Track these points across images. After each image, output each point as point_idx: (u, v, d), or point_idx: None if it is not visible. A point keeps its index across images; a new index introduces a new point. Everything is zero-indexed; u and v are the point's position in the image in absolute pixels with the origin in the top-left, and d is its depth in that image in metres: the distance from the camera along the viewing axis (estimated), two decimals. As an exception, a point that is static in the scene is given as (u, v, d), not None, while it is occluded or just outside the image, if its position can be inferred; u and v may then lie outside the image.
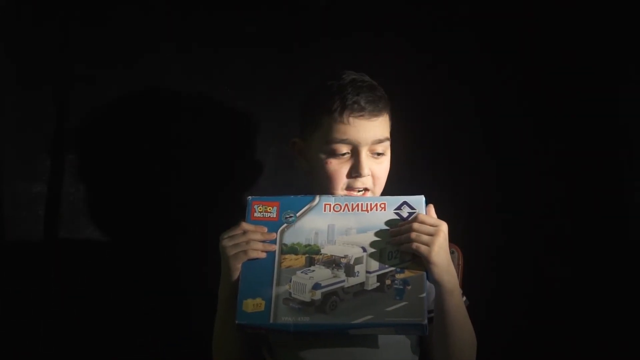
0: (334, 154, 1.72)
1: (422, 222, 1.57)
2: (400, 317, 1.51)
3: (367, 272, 1.56)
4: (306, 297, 1.54)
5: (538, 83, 2.18)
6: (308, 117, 1.78)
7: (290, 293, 1.56)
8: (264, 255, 1.60)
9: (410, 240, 1.55)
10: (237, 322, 1.54)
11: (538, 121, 2.18)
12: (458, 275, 1.84)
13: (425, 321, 1.51)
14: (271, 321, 1.53)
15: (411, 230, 1.56)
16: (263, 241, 1.61)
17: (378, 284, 1.55)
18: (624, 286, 2.11)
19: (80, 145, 2.13)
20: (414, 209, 1.62)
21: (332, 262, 1.58)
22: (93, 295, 2.10)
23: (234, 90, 2.17)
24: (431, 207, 1.63)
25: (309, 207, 1.65)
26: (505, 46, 2.18)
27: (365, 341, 1.66)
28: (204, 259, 1.82)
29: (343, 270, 1.57)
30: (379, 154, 1.74)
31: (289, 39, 2.19)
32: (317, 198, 1.66)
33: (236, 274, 1.59)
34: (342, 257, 1.58)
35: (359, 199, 1.67)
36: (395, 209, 1.63)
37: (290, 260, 1.59)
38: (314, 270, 1.57)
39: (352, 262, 1.58)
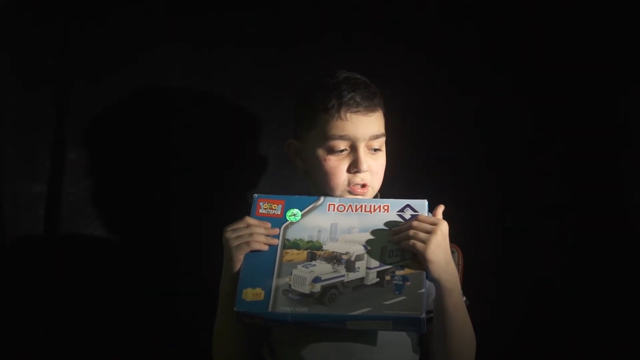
0: (332, 150, 1.73)
1: (422, 221, 1.59)
2: (398, 310, 1.52)
3: (368, 268, 1.58)
4: (305, 290, 1.56)
5: (539, 83, 2.18)
6: (303, 116, 1.79)
7: (290, 285, 1.57)
8: (266, 247, 1.62)
9: (408, 238, 1.56)
10: (235, 309, 1.56)
11: (538, 121, 2.19)
12: (458, 275, 1.84)
13: (423, 315, 1.51)
14: (269, 310, 1.54)
15: (410, 228, 1.58)
16: (266, 235, 1.63)
17: (378, 279, 1.56)
18: (624, 286, 2.12)
19: (80, 145, 2.13)
20: (417, 212, 1.64)
21: (333, 258, 1.60)
22: (93, 295, 2.10)
23: (234, 90, 2.17)
24: (440, 208, 1.64)
25: (314, 206, 1.67)
26: (505, 46, 2.18)
27: (366, 340, 1.67)
28: (204, 258, 1.82)
29: (344, 265, 1.59)
30: (375, 150, 1.76)
31: (290, 39, 2.19)
32: (322, 198, 1.68)
33: (238, 265, 1.60)
34: (344, 254, 1.60)
35: (362, 200, 1.69)
36: (398, 211, 1.65)
37: (292, 254, 1.61)
38: (314, 265, 1.59)
39: (353, 259, 1.59)
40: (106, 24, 2.14)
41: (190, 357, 2.04)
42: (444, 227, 1.58)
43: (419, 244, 1.55)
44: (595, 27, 2.16)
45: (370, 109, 1.74)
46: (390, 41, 2.19)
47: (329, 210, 1.66)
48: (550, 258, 2.17)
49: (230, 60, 2.18)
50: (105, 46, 2.14)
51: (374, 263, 1.58)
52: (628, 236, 2.14)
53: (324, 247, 1.61)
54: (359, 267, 1.58)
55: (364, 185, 1.74)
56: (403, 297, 1.53)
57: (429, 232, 1.56)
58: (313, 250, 1.61)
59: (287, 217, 1.66)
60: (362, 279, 1.57)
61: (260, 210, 1.67)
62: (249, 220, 1.64)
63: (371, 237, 1.62)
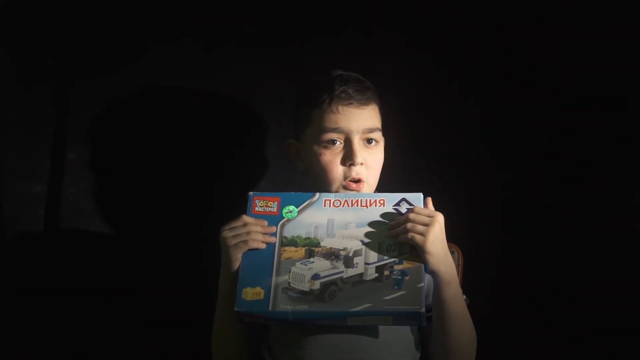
0: (326, 145, 1.74)
1: (418, 213, 1.59)
2: (398, 305, 1.52)
3: (366, 263, 1.58)
4: (305, 287, 1.56)
5: (538, 81, 2.18)
6: (300, 115, 1.81)
7: (289, 283, 1.57)
8: (264, 245, 1.62)
9: (406, 231, 1.57)
10: (236, 309, 1.56)
11: (538, 120, 2.18)
12: (458, 275, 1.84)
13: (423, 309, 1.51)
14: (270, 309, 1.54)
15: (407, 221, 1.58)
16: (263, 233, 1.63)
17: (377, 274, 1.56)
18: (625, 286, 2.11)
19: (80, 145, 2.13)
20: (412, 205, 1.64)
21: (332, 254, 1.60)
22: (93, 295, 2.10)
23: (234, 90, 2.17)
24: (429, 200, 1.65)
25: (309, 203, 1.67)
26: (505, 44, 2.18)
27: (367, 339, 1.66)
28: (204, 258, 1.82)
29: (342, 261, 1.59)
30: (370, 142, 1.76)
31: (290, 38, 2.19)
32: (317, 194, 1.68)
33: (236, 264, 1.60)
34: (341, 250, 1.60)
35: (358, 195, 1.69)
36: (394, 205, 1.65)
37: (290, 252, 1.61)
38: (313, 262, 1.59)
39: (351, 254, 1.59)
40: (106, 23, 2.15)
41: (190, 357, 2.04)
42: (440, 219, 1.58)
43: (417, 237, 1.55)
44: (596, 27, 2.16)
45: (363, 102, 1.75)
46: (390, 41, 2.19)
47: (324, 206, 1.66)
48: (550, 258, 2.16)
49: (230, 60, 2.18)
50: (105, 46, 2.15)
51: (372, 258, 1.58)
52: (628, 236, 2.13)
53: (322, 244, 1.61)
54: (357, 263, 1.58)
55: (358, 181, 1.74)
56: (403, 292, 1.53)
57: (427, 225, 1.56)
58: (311, 247, 1.61)
59: (284, 215, 1.66)
60: (361, 274, 1.57)
61: (257, 209, 1.67)
62: (246, 218, 1.64)
63: (368, 231, 1.62)
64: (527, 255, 2.16)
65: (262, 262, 1.59)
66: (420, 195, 1.66)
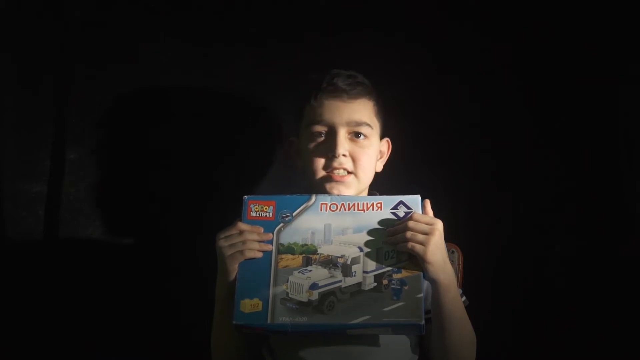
0: (312, 137, 1.75)
1: (417, 221, 1.57)
2: (398, 317, 1.52)
3: (364, 272, 1.56)
4: (303, 297, 1.55)
5: (538, 82, 2.18)
6: (297, 112, 1.82)
7: (287, 293, 1.56)
8: (260, 255, 1.60)
9: (406, 240, 1.55)
10: (234, 322, 1.55)
11: (538, 120, 2.18)
12: (458, 275, 1.85)
13: (423, 322, 1.51)
14: (269, 321, 1.54)
15: (406, 229, 1.56)
16: (259, 241, 1.61)
17: (375, 284, 1.55)
18: (625, 286, 2.11)
19: (80, 145, 2.13)
20: (410, 208, 1.62)
21: (329, 262, 1.58)
22: (93, 295, 2.10)
23: (235, 90, 2.17)
24: (427, 203, 1.63)
25: (305, 207, 1.65)
26: (506, 44, 2.18)
27: (365, 342, 1.66)
28: (204, 259, 1.81)
29: (340, 270, 1.57)
30: (358, 136, 1.75)
31: (290, 38, 2.18)
32: (314, 197, 1.66)
33: (233, 274, 1.59)
34: (339, 257, 1.58)
35: (355, 198, 1.67)
36: (391, 209, 1.63)
37: (287, 260, 1.59)
38: (311, 270, 1.57)
39: (349, 262, 1.58)
40: (106, 23, 2.14)
41: (190, 357, 2.04)
42: (440, 226, 1.57)
43: (418, 247, 1.54)
44: (596, 26, 2.16)
45: (351, 95, 1.75)
46: (391, 41, 2.19)
47: (321, 210, 1.64)
48: (550, 258, 2.16)
49: (230, 59, 2.18)
50: (105, 45, 2.14)
51: (370, 266, 1.56)
52: (628, 236, 2.13)
53: (319, 251, 1.60)
54: (355, 271, 1.57)
55: (346, 172, 1.73)
56: (402, 303, 1.52)
57: (427, 233, 1.55)
58: (308, 254, 1.59)
59: (280, 220, 1.64)
60: (359, 284, 1.56)
61: (252, 214, 1.64)
62: (241, 226, 1.62)
63: (366, 238, 1.60)
64: (526, 255, 2.16)
65: (259, 271, 1.58)
66: (418, 197, 1.64)
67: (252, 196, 1.67)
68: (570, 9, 2.15)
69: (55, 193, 2.12)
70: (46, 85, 2.13)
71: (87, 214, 2.13)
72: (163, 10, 2.16)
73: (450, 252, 1.79)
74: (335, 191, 1.72)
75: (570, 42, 2.16)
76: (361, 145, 1.75)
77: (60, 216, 2.12)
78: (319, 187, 1.73)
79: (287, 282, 1.57)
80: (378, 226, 1.61)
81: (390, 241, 1.58)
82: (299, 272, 1.57)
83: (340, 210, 1.64)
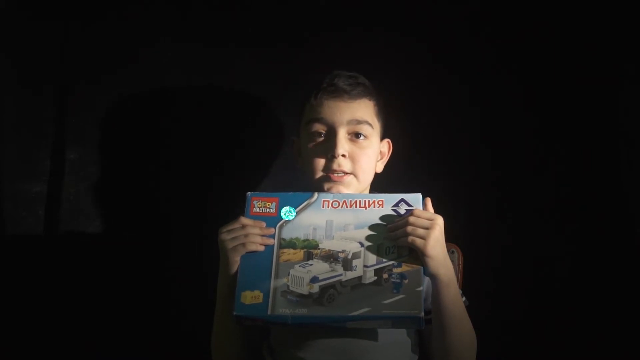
0: (312, 136, 1.75)
1: (418, 217, 1.58)
2: (397, 309, 1.52)
3: (365, 266, 1.57)
4: (304, 290, 1.55)
5: (538, 82, 2.18)
6: (299, 112, 1.82)
7: (288, 286, 1.56)
8: (262, 248, 1.61)
9: (406, 235, 1.56)
10: (235, 313, 1.55)
11: (538, 120, 2.18)
12: (458, 275, 1.85)
13: (422, 314, 1.51)
14: (269, 313, 1.54)
15: (407, 224, 1.57)
16: (262, 235, 1.62)
17: (375, 277, 1.56)
18: (625, 286, 2.11)
19: (80, 145, 2.14)
20: (412, 206, 1.63)
21: (330, 257, 1.59)
22: (93, 294, 2.10)
23: (235, 90, 2.17)
24: (428, 200, 1.64)
25: (308, 204, 1.66)
26: (506, 45, 2.18)
27: (365, 341, 1.66)
28: (205, 258, 1.81)
29: (341, 264, 1.58)
30: (358, 136, 1.75)
31: (290, 38, 2.19)
32: (316, 195, 1.67)
33: (235, 267, 1.60)
34: (340, 252, 1.59)
35: (356, 195, 1.68)
36: (392, 206, 1.64)
37: (289, 254, 1.60)
38: (312, 264, 1.58)
39: (349, 257, 1.58)
40: (106, 24, 2.15)
41: (190, 357, 2.04)
42: (440, 222, 1.58)
43: (418, 241, 1.54)
44: (596, 27, 2.16)
45: (351, 95, 1.75)
46: (392, 41, 2.19)
47: (323, 207, 1.65)
48: (550, 258, 2.16)
49: (231, 59, 2.18)
50: (105, 46, 2.15)
51: (371, 261, 1.57)
52: (628, 235, 2.13)
53: (320, 246, 1.61)
54: (356, 265, 1.57)
55: (345, 173, 1.73)
56: (402, 296, 1.53)
57: (427, 228, 1.56)
58: (309, 249, 1.60)
59: (282, 215, 1.65)
60: (359, 277, 1.56)
61: (255, 210, 1.65)
62: (244, 220, 1.62)
63: (367, 233, 1.61)
64: (526, 255, 2.16)
65: (261, 264, 1.59)
66: (419, 195, 1.65)
67: (255, 193, 1.68)
68: (570, 9, 2.15)
69: (55, 193, 2.12)
70: (46, 86, 2.13)
71: (87, 214, 2.13)
72: (164, 11, 2.17)
73: (450, 252, 1.79)
74: (334, 190, 1.72)
75: (570, 42, 2.17)
76: (361, 145, 1.75)
77: (60, 216, 2.12)
78: (319, 186, 1.74)
79: (288, 275, 1.57)
80: (379, 222, 1.62)
81: (391, 236, 1.59)
82: (300, 266, 1.58)
83: (342, 207, 1.65)
